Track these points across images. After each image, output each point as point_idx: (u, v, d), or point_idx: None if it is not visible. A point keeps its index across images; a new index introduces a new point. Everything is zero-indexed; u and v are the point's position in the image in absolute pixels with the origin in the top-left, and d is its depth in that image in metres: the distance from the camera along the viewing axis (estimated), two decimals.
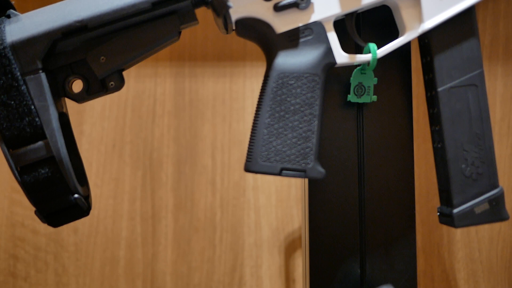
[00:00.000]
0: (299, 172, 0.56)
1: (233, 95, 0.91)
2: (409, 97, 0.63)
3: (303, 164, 0.56)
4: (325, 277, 0.62)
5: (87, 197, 0.57)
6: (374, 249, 0.62)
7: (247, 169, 0.56)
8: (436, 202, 0.88)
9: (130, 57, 0.56)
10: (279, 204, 0.90)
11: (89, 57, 0.55)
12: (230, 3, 0.53)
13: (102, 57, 0.55)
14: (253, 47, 0.91)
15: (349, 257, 0.62)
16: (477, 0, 0.56)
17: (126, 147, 0.91)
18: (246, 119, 0.91)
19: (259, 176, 0.91)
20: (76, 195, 0.54)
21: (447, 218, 0.58)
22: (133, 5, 0.53)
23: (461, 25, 0.57)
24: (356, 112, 0.63)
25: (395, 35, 0.60)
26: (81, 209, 0.55)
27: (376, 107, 0.63)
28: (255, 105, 0.92)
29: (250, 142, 0.57)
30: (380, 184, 0.63)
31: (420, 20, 0.57)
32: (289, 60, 0.56)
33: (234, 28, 0.57)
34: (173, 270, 0.90)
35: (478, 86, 0.57)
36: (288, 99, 0.56)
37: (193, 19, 0.56)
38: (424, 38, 0.58)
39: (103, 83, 0.56)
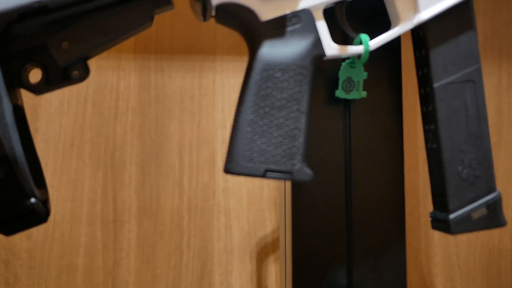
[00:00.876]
0: (285, 174, 0.50)
1: (202, 91, 0.86)
2: (399, 93, 0.59)
3: (290, 165, 0.50)
4: (309, 287, 0.57)
5: (45, 201, 0.50)
6: (362, 257, 0.57)
7: (228, 170, 0.51)
8: (413, 204, 0.85)
9: (97, 44, 0.49)
10: (250, 207, 0.85)
11: (50, 43, 0.48)
12: None
13: (65, 43, 0.48)
14: (223, 40, 0.86)
15: (335, 266, 0.57)
16: None
17: (85, 146, 0.83)
18: (216, 116, 0.86)
19: (229, 177, 0.85)
20: (33, 200, 0.48)
21: (441, 224, 0.54)
22: None
23: (458, 17, 0.53)
24: (343, 109, 0.59)
25: (385, 26, 0.55)
26: (39, 215, 0.49)
27: (364, 104, 0.59)
28: (225, 102, 0.87)
29: (230, 140, 0.51)
30: (368, 186, 0.58)
31: (416, 10, 0.52)
32: (275, 50, 0.51)
33: (213, 14, 0.52)
34: (137, 279, 0.84)
35: (475, 82, 0.53)
36: (274, 93, 0.50)
37: (168, 2, 0.50)
38: (419, 30, 0.54)
39: (65, 73, 0.49)
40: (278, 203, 0.85)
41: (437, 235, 0.86)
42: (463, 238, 0.87)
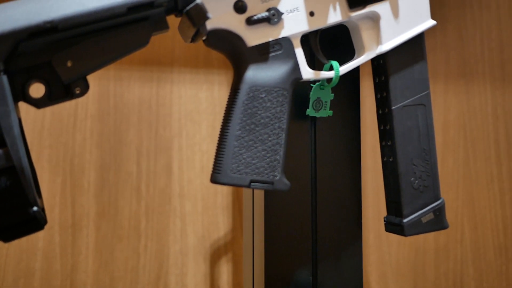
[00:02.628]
0: (267, 184, 0.57)
1: (160, 101, 0.90)
2: (358, 111, 0.67)
3: (271, 176, 0.57)
4: (279, 285, 0.63)
5: (43, 209, 0.53)
6: (325, 257, 0.65)
7: (216, 180, 0.56)
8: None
9: (98, 63, 0.53)
10: (205, 212, 0.90)
11: (54, 60, 0.51)
12: (210, 14, 0.53)
13: (69, 61, 0.52)
14: (181, 52, 0.90)
15: (302, 265, 0.64)
16: (427, 27, 0.61)
17: (44, 152, 0.85)
18: (173, 125, 0.90)
19: (185, 183, 0.90)
20: (35, 208, 0.51)
21: (396, 227, 0.62)
22: (108, 9, 0.51)
23: (413, 49, 0.62)
24: (310, 125, 0.66)
25: (347, 54, 0.63)
26: (39, 222, 0.52)
27: (328, 121, 0.66)
28: (182, 112, 0.92)
29: (218, 153, 0.57)
30: (331, 193, 0.65)
31: (379, 42, 0.60)
32: (260, 73, 0.57)
33: (204, 38, 0.57)
34: (95, 281, 0.86)
35: (426, 105, 0.62)
36: (259, 112, 0.56)
37: (166, 26, 0.55)
38: (380, 59, 0.62)
39: (67, 89, 0.53)
40: (231, 208, 0.91)
41: (372, 235, 0.95)
42: (394, 239, 0.97)
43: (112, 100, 0.88)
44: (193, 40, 0.57)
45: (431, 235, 1.00)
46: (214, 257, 0.91)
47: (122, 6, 0.51)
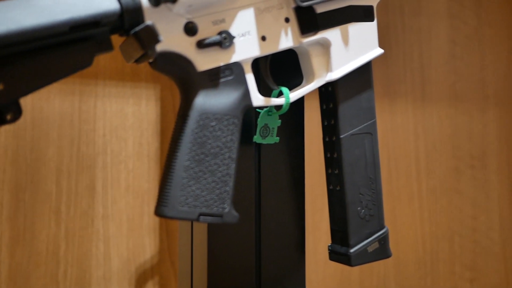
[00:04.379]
0: (216, 217, 0.54)
1: (82, 116, 0.84)
2: (302, 138, 0.65)
3: (220, 209, 0.54)
4: None
5: None
6: (268, 280, 0.63)
7: (163, 214, 0.52)
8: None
9: (35, 86, 0.47)
10: (130, 234, 0.85)
11: None
12: (161, 37, 0.49)
13: (1, 84, 0.46)
14: (106, 64, 0.85)
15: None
16: (376, 55, 0.61)
17: None
18: (97, 142, 0.84)
19: (109, 204, 0.84)
20: None
21: (341, 257, 0.61)
22: (48, 28, 0.46)
23: (361, 77, 0.61)
24: (254, 151, 0.63)
25: (292, 79, 0.62)
26: None
27: (272, 147, 0.64)
28: (107, 127, 0.86)
29: (165, 185, 0.53)
30: (275, 218, 0.64)
31: (328, 69, 0.59)
32: (210, 100, 0.54)
33: (151, 60, 0.53)
34: None
35: (372, 134, 0.62)
36: (209, 141, 0.53)
37: (110, 47, 0.50)
38: (328, 86, 0.61)
39: None
40: (158, 229, 0.87)
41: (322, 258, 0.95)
42: (321, 257, 0.97)
43: (29, 114, 0.81)
44: (137, 61, 0.53)
45: None
46: (140, 281, 0.86)
47: (65, 25, 0.46)
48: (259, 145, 0.63)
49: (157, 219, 0.87)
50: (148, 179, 0.86)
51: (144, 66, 0.85)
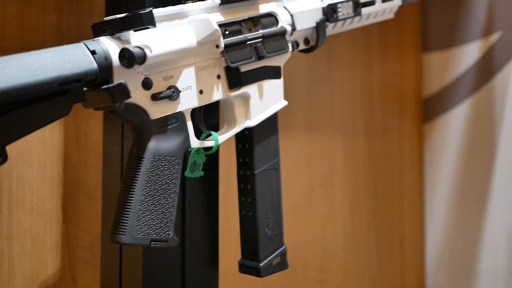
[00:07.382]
0: (163, 242, 0.64)
1: None
2: (217, 171, 0.78)
3: (166, 235, 0.64)
4: None
5: None
6: None
7: (121, 241, 0.61)
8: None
9: (20, 134, 0.54)
10: (34, 252, 0.90)
11: None
12: (132, 94, 0.58)
13: None
14: None
15: None
16: (282, 106, 0.76)
17: None
18: (3, 165, 0.87)
19: (14, 224, 0.88)
20: None
21: (251, 270, 0.75)
22: (42, 84, 0.52)
23: (270, 123, 0.76)
24: (182, 183, 0.74)
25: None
26: None
27: (195, 179, 0.76)
28: (12, 151, 0.88)
29: (122, 215, 0.62)
30: (195, 240, 0.76)
31: (247, 117, 0.73)
32: (161, 144, 0.64)
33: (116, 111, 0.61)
34: None
35: (277, 169, 0.76)
36: (160, 179, 0.63)
37: (83, 98, 0.58)
38: (244, 130, 0.74)
39: None
40: (60, 246, 0.92)
41: (230, 270, 1.05)
42: (230, 271, 1.08)
43: None
44: (99, 109, 0.61)
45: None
46: None
47: (55, 82, 0.53)
48: (184, 177, 0.74)
49: (59, 237, 0.92)
50: (51, 200, 0.91)
51: None
